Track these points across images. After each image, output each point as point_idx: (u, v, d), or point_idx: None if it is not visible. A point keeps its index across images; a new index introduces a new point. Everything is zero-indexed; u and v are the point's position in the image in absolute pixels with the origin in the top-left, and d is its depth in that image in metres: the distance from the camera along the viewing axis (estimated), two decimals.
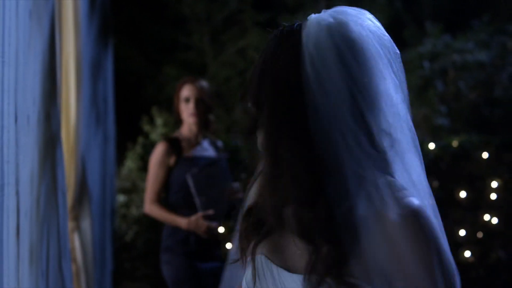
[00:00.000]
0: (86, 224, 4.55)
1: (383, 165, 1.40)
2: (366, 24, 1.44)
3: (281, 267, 1.47)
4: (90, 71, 5.32)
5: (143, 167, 6.38)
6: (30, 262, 2.86)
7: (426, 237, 1.32)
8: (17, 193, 2.53)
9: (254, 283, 1.51)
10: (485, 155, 6.56)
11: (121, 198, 6.67)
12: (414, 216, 1.33)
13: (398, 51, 1.48)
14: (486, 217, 6.52)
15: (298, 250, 1.43)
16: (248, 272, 1.54)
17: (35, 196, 2.99)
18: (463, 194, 6.54)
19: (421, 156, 1.47)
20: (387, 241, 1.32)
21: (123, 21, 8.24)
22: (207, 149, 4.28)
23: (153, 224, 6.28)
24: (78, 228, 4.45)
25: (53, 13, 3.36)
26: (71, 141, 4.33)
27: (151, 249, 6.34)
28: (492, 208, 6.53)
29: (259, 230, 1.54)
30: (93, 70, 5.54)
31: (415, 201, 1.36)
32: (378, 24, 1.48)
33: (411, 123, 1.46)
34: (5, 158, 2.30)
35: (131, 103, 8.08)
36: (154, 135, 6.86)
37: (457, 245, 6.38)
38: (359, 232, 1.33)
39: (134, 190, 6.61)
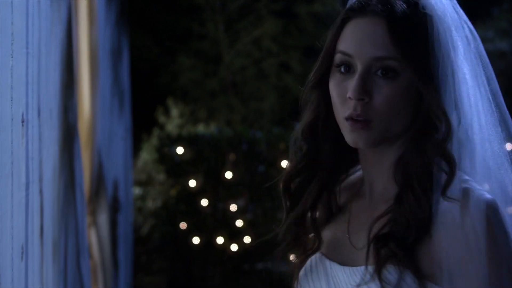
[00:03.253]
0: (102, 219, 4.50)
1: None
2: None
3: (335, 261, 1.42)
4: (110, 58, 5.21)
5: (160, 159, 6.34)
6: (53, 260, 2.81)
7: (499, 237, 1.26)
8: (41, 191, 2.44)
9: (308, 280, 1.46)
10: (508, 147, 6.43)
11: (136, 190, 6.63)
12: (489, 212, 1.27)
13: None
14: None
15: (357, 242, 1.40)
16: (302, 269, 1.48)
17: (56, 192, 2.92)
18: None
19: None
20: (456, 235, 1.27)
21: (137, 9, 8.15)
22: None
23: (169, 217, 6.25)
24: (94, 223, 4.38)
25: (69, 0, 3.28)
26: (87, 134, 4.25)
27: (168, 242, 6.32)
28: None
29: (316, 229, 1.49)
30: (113, 58, 5.42)
31: (487, 194, 1.29)
32: None
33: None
34: (30, 155, 2.19)
35: (145, 92, 8.00)
36: (170, 127, 6.79)
37: None
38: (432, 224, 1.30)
39: (150, 182, 6.58)
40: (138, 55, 8.00)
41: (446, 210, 1.29)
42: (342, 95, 1.35)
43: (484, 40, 5.74)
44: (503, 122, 1.40)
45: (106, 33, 4.95)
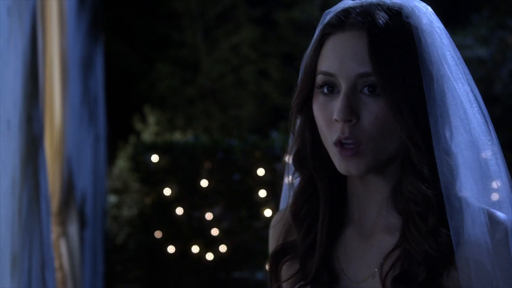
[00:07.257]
0: (73, 229, 4.45)
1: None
2: None
3: None
4: (79, 68, 5.20)
5: (135, 167, 6.31)
6: (12, 275, 2.75)
7: None
8: None
9: None
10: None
11: (112, 198, 6.59)
12: None
13: None
14: None
15: (354, 275, 1.31)
16: None
17: (17, 204, 2.86)
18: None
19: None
20: (474, 260, 1.22)
21: (115, 17, 8.14)
22: None
23: (145, 225, 6.22)
24: (64, 233, 4.33)
25: (34, 10, 3.23)
26: (56, 143, 4.20)
27: (143, 251, 6.29)
28: (494, 209, 6.42)
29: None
30: (83, 67, 5.42)
31: (502, 214, 1.26)
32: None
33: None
34: None
35: (122, 100, 7.99)
36: (146, 134, 6.76)
37: None
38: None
39: (126, 190, 6.55)
40: (116, 62, 7.98)
41: (471, 240, 1.23)
42: (328, 118, 1.25)
43: (463, 47, 5.73)
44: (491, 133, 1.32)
45: (76, 43, 4.93)
